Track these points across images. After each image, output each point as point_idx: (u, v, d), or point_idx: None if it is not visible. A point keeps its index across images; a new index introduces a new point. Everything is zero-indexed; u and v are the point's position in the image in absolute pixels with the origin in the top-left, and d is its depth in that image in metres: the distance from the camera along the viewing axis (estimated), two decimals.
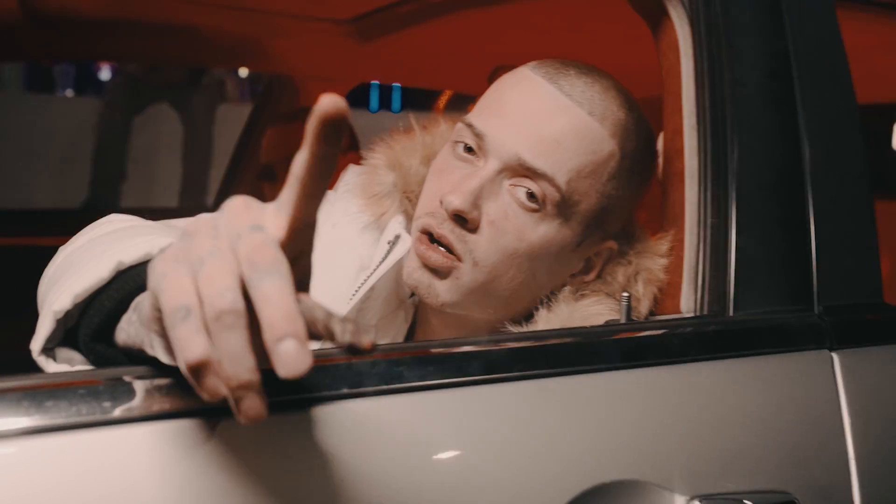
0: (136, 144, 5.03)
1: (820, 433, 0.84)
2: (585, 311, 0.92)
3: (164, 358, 0.58)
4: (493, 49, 2.21)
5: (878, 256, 0.99)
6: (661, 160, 1.05)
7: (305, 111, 1.95)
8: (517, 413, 0.75)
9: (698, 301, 0.88)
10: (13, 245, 2.23)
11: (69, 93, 7.04)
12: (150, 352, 0.60)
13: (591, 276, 0.96)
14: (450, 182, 0.92)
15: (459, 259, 0.91)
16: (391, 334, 1.04)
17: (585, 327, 0.87)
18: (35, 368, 0.72)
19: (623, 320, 0.85)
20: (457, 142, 0.94)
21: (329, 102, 0.50)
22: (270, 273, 0.50)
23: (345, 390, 0.66)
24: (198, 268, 0.52)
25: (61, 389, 0.59)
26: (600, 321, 0.90)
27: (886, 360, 0.95)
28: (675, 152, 0.99)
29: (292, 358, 0.48)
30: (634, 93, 1.00)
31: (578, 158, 0.90)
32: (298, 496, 0.62)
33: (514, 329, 0.94)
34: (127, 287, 0.68)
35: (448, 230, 0.91)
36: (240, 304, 0.50)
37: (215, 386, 0.50)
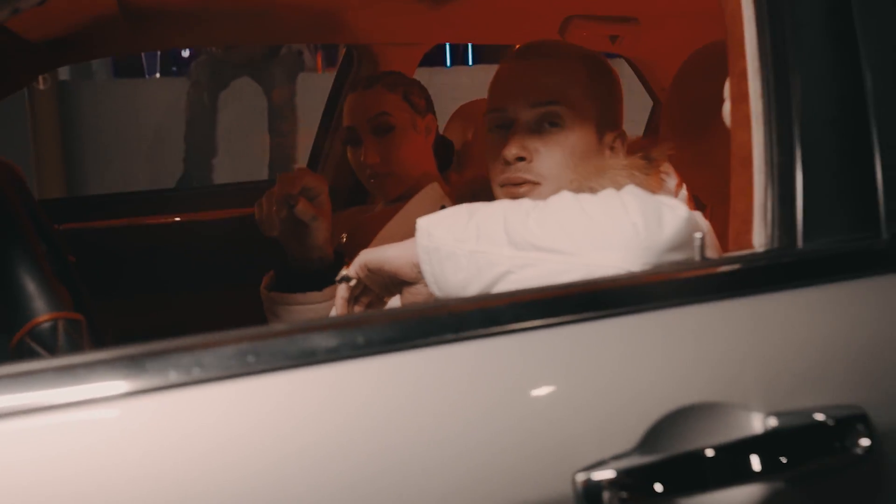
0: (222, 120, 5.21)
1: (891, 352, 0.89)
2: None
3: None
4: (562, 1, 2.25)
5: None
6: (727, 104, 1.10)
7: (383, 76, 2.01)
8: (607, 348, 0.84)
9: (769, 236, 0.93)
10: (115, 226, 2.39)
11: (156, 76, 7.28)
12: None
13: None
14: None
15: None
16: None
17: (669, 267, 0.94)
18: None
19: (697, 258, 0.92)
20: None
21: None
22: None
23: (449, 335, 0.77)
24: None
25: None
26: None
27: None
28: (741, 96, 1.03)
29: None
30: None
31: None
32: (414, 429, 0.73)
33: None
34: None
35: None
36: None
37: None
